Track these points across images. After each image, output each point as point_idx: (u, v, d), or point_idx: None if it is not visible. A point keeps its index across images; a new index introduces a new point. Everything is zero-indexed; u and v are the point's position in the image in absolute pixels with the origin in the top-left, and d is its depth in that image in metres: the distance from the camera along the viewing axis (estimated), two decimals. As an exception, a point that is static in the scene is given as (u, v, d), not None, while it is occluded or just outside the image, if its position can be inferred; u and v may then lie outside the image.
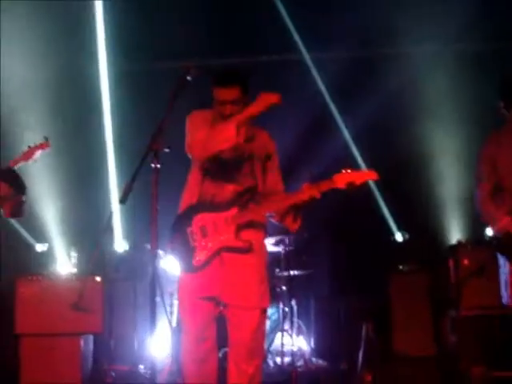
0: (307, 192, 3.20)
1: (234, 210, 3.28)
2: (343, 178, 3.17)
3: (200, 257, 3.29)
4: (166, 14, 6.47)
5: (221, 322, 3.42)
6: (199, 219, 3.32)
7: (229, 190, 3.33)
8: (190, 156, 3.39)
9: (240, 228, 3.28)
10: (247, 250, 3.27)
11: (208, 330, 3.35)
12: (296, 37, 6.76)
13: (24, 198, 4.52)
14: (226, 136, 3.14)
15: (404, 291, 5.65)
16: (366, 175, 3.22)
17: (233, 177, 3.35)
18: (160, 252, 4.95)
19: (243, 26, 6.60)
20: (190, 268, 3.33)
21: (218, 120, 3.33)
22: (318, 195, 3.18)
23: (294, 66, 6.87)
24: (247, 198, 3.33)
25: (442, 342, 5.52)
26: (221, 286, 3.28)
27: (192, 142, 3.31)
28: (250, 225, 3.31)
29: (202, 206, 3.34)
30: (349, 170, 3.19)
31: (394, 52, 6.71)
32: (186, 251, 3.31)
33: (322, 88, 6.81)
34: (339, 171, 3.20)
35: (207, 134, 3.21)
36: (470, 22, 6.18)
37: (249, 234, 3.31)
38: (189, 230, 3.32)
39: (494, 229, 4.14)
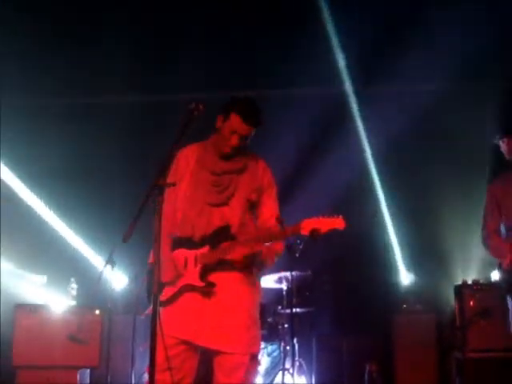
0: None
1: (205, 248, 3.10)
2: (309, 224, 2.85)
3: (165, 292, 3.11)
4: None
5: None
6: (175, 254, 3.16)
7: (204, 226, 3.13)
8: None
9: (208, 268, 3.07)
10: (208, 292, 3.05)
11: (175, 362, 3.02)
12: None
13: None
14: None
15: (408, 331, 5.57)
16: (332, 223, 2.85)
17: (210, 211, 3.15)
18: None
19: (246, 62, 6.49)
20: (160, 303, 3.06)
21: (212, 147, 3.20)
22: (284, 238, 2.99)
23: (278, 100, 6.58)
24: (221, 236, 3.10)
25: (446, 385, 5.42)
26: (196, 330, 3.04)
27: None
28: (222, 266, 3.07)
29: (183, 240, 3.17)
30: (320, 217, 2.87)
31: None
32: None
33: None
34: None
35: None
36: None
37: (218, 276, 3.08)
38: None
39: (502, 263, 4.14)
